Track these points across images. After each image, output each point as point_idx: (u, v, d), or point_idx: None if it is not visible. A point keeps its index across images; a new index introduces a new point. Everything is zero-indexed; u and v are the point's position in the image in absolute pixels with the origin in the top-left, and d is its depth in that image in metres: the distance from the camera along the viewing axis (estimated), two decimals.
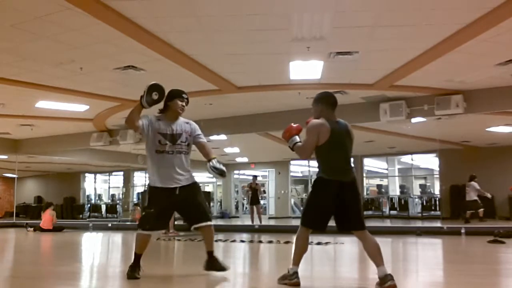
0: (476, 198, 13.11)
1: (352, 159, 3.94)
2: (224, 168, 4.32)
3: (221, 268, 4.34)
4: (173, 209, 4.40)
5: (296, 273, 3.71)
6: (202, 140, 4.44)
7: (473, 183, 13.18)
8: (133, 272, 4.16)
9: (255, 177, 14.27)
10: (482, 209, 13.04)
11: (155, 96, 4.17)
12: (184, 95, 4.41)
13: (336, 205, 3.68)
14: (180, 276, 4.81)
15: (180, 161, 4.26)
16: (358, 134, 14.38)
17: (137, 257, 4.24)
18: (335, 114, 3.84)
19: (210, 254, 4.39)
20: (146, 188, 4.38)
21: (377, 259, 3.61)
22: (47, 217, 12.74)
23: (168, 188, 4.18)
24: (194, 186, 4.35)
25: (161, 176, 4.20)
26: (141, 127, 4.20)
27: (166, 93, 4.31)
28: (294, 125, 3.92)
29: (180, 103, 4.35)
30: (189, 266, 5.68)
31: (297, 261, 3.75)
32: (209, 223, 4.32)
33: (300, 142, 3.83)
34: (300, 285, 3.68)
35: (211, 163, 4.27)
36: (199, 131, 4.45)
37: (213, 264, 4.36)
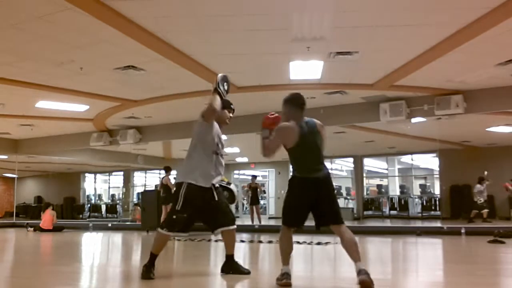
0: (482, 199, 13.29)
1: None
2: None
3: (243, 272, 4.34)
4: (203, 211, 4.31)
5: (286, 273, 3.70)
6: None
7: (478, 185, 13.44)
8: (148, 272, 4.13)
9: (254, 177, 14.25)
10: (487, 210, 13.16)
11: (226, 86, 4.31)
12: (232, 106, 4.50)
13: (311, 201, 3.71)
14: (180, 277, 4.81)
15: (222, 163, 4.37)
16: (358, 134, 14.45)
17: (154, 257, 4.22)
18: (302, 115, 3.85)
19: (231, 257, 4.39)
20: (182, 187, 4.22)
21: (353, 254, 3.63)
22: (47, 217, 12.74)
23: (206, 188, 4.19)
24: (221, 191, 4.42)
25: (208, 175, 4.20)
26: (217, 108, 4.23)
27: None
28: (271, 116, 3.90)
29: (228, 114, 4.47)
30: (189, 266, 5.68)
31: (285, 261, 3.77)
32: (233, 227, 4.36)
33: (267, 138, 3.84)
34: (291, 285, 3.67)
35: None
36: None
37: (233, 267, 4.36)
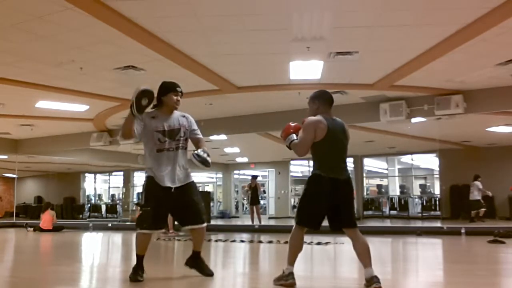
0: (479, 197, 13.28)
1: (350, 159, 3.95)
2: (208, 159, 4.09)
3: (206, 272, 4.26)
4: (169, 208, 4.24)
5: (291, 273, 3.68)
6: (199, 136, 4.30)
7: (476, 182, 13.36)
8: (135, 275, 4.05)
9: (254, 177, 14.26)
10: (483, 209, 13.15)
11: (144, 101, 4.01)
12: (178, 88, 4.23)
13: (329, 202, 3.65)
14: (180, 277, 4.81)
15: (180, 157, 4.15)
16: (358, 134, 14.47)
17: (139, 258, 4.13)
18: (331, 112, 3.84)
19: (198, 254, 4.34)
20: (143, 186, 4.26)
21: (365, 259, 3.58)
22: (47, 217, 12.73)
23: (166, 187, 4.07)
24: (191, 185, 4.23)
25: (162, 175, 4.08)
26: (136, 134, 4.06)
27: (156, 90, 4.18)
28: (292, 124, 3.91)
29: (175, 97, 4.19)
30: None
31: (292, 261, 3.72)
32: (202, 225, 4.23)
33: (296, 139, 3.81)
34: (296, 285, 3.66)
35: (196, 151, 4.10)
36: (195, 126, 4.31)
37: (197, 264, 4.31)
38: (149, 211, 4.07)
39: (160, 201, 4.09)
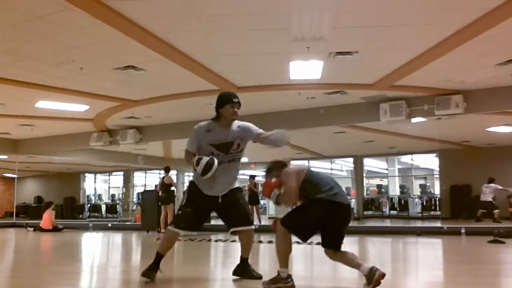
0: (491, 199, 13.45)
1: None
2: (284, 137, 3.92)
3: (255, 276, 4.21)
4: (211, 211, 4.28)
5: (290, 276, 3.67)
6: (260, 132, 4.12)
7: (493, 184, 13.52)
8: (150, 272, 4.01)
9: (252, 176, 14.25)
10: (497, 210, 13.33)
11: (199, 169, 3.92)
12: (234, 99, 4.16)
13: (325, 224, 3.71)
14: (180, 277, 4.81)
15: (230, 169, 4.13)
16: (358, 134, 14.41)
17: (159, 257, 4.10)
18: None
19: (245, 260, 4.28)
20: (187, 189, 4.26)
21: (355, 263, 3.67)
22: (47, 217, 12.74)
23: (211, 196, 4.09)
24: (236, 190, 4.22)
25: (208, 186, 4.07)
26: (195, 154, 4.04)
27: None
28: (272, 181, 3.89)
29: (231, 109, 4.12)
30: (190, 267, 5.67)
31: (285, 263, 3.71)
32: (250, 227, 4.22)
33: (280, 193, 3.85)
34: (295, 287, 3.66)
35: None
36: (254, 130, 4.14)
37: (246, 271, 4.25)
38: (189, 212, 4.08)
39: (201, 205, 4.11)
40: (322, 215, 3.66)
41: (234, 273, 4.27)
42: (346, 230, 3.83)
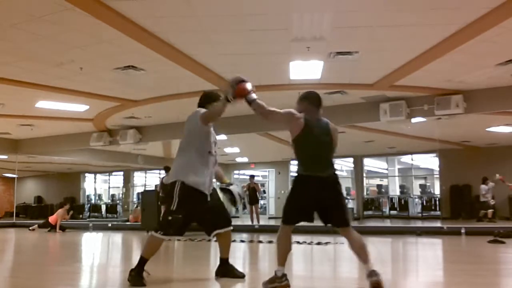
0: (486, 199, 13.75)
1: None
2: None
3: (238, 275, 4.18)
4: (198, 212, 4.08)
5: (285, 275, 3.64)
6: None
7: (486, 184, 13.74)
8: (139, 279, 3.84)
9: (252, 176, 14.24)
10: (492, 210, 13.52)
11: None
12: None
13: (316, 201, 3.61)
14: (180, 277, 4.81)
15: (215, 164, 4.20)
16: (358, 134, 14.37)
17: (144, 261, 3.92)
18: (320, 113, 3.81)
19: (227, 260, 4.25)
20: (176, 191, 3.98)
21: (362, 257, 3.58)
22: (56, 216, 12.87)
23: (203, 193, 3.99)
24: (213, 190, 4.19)
25: (203, 180, 3.98)
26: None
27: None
28: (249, 88, 3.87)
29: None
30: (190, 267, 5.68)
31: (282, 262, 3.66)
32: (230, 228, 4.18)
33: (259, 100, 3.81)
34: (290, 287, 3.65)
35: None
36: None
37: (228, 270, 4.21)
38: (180, 219, 3.91)
39: (193, 210, 3.97)
40: (300, 193, 3.65)
41: (217, 274, 4.24)
42: (341, 205, 3.70)
